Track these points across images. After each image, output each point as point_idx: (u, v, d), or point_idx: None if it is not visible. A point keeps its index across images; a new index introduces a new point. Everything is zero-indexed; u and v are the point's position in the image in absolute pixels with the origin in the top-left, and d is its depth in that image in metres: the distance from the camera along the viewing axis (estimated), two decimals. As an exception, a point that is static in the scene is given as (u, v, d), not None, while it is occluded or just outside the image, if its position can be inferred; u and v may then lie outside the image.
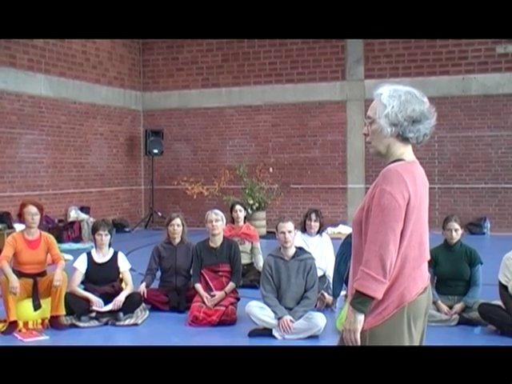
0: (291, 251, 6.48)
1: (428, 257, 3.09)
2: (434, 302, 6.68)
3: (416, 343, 3.03)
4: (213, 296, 6.97)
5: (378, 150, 3.05)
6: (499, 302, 6.40)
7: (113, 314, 6.88)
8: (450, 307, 6.70)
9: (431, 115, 3.03)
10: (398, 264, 2.91)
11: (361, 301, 2.86)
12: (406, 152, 3.04)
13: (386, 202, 2.86)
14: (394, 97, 2.98)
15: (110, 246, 7.24)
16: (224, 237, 7.37)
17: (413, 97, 3.00)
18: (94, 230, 7.25)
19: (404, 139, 3.01)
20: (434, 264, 6.79)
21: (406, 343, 2.96)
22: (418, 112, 2.98)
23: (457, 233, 6.79)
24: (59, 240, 11.14)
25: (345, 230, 13.37)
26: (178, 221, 7.64)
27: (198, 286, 7.07)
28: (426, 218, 3.06)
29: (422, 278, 3.02)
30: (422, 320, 3.07)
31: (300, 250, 6.59)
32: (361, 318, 2.88)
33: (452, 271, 6.75)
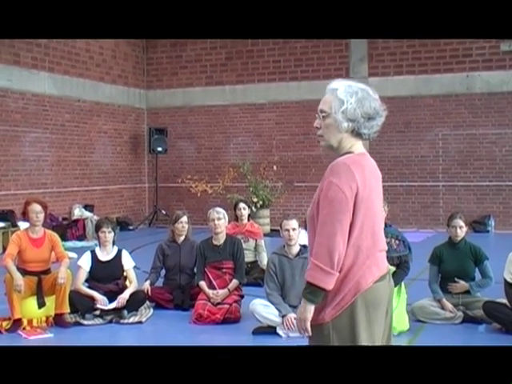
0: (295, 249, 6.47)
1: (384, 246, 3.14)
2: (439, 300, 6.67)
3: (377, 334, 3.03)
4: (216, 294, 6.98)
5: (329, 144, 3.11)
6: (504, 300, 6.38)
7: (117, 311, 6.89)
8: (455, 305, 6.68)
9: (383, 112, 3.09)
10: (351, 254, 2.95)
11: (311, 291, 2.92)
12: (356, 145, 3.10)
13: (333, 194, 2.92)
14: (350, 93, 3.03)
15: (113, 243, 7.24)
16: (227, 234, 7.37)
17: (368, 94, 3.07)
18: (97, 227, 7.26)
19: (357, 135, 3.08)
20: (438, 261, 6.79)
21: (365, 332, 2.97)
22: (373, 109, 3.05)
23: (461, 230, 6.76)
24: (63, 238, 11.15)
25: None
26: (185, 218, 7.63)
27: (203, 284, 7.07)
28: (378, 208, 3.09)
29: (377, 266, 3.04)
30: (384, 312, 3.09)
31: (304, 247, 6.58)
32: (311, 308, 2.95)
33: (456, 269, 6.72)
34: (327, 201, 2.93)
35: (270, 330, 6.26)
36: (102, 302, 6.87)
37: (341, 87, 3.06)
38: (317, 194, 3.03)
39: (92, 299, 6.89)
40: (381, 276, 3.03)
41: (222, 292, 6.97)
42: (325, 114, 3.09)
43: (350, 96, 3.02)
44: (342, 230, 2.91)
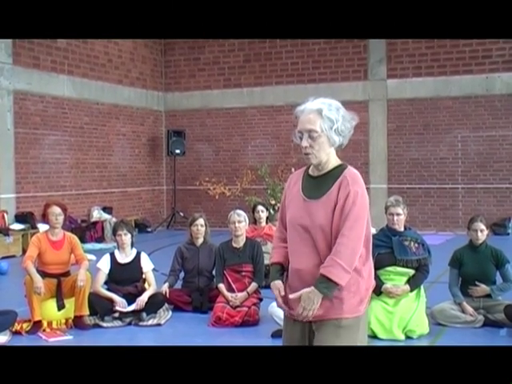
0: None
1: None
2: (459, 304, 6.61)
3: None
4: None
5: (320, 160, 3.31)
6: (525, 304, 6.32)
7: (136, 314, 6.90)
8: (476, 309, 6.61)
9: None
10: (370, 256, 3.30)
11: (327, 286, 3.15)
12: (336, 157, 3.33)
13: (361, 202, 3.21)
14: (335, 110, 3.23)
15: (132, 245, 7.26)
16: (247, 237, 7.35)
17: (342, 108, 3.27)
18: (114, 231, 7.31)
19: (338, 146, 3.30)
20: (458, 265, 6.73)
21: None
22: (353, 120, 3.28)
23: (482, 233, 6.69)
24: (82, 240, 11.18)
25: (367, 230, 13.30)
26: (201, 221, 7.64)
27: (222, 287, 7.06)
28: None
29: None
30: None
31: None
32: (320, 300, 3.17)
33: (477, 272, 6.65)
34: (356, 208, 3.18)
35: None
36: (121, 304, 6.89)
37: (323, 106, 3.24)
38: (340, 204, 3.19)
39: (111, 301, 6.91)
40: None
41: (240, 295, 6.96)
42: (316, 133, 3.23)
43: (336, 114, 3.22)
44: (363, 235, 3.22)
